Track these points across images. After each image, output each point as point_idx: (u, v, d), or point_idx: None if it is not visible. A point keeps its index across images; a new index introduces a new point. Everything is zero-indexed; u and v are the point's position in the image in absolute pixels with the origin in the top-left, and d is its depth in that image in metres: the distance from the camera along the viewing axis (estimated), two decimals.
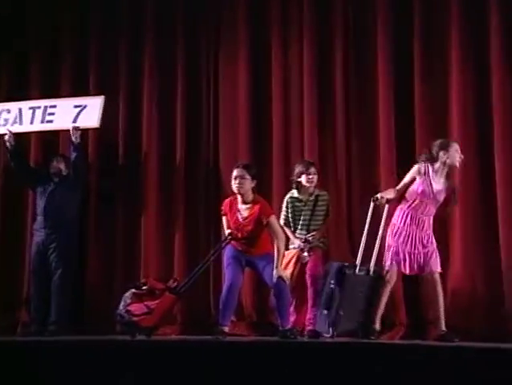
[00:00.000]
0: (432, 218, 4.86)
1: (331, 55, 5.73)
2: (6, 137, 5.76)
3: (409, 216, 4.81)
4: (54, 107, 5.83)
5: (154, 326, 4.88)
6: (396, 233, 4.82)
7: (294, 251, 5.12)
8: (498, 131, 5.19)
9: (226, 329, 4.88)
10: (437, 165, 4.84)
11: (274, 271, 4.82)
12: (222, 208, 5.07)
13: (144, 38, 6.21)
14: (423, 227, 4.81)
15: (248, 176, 4.93)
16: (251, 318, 5.63)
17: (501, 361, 3.87)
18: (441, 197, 4.84)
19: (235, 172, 4.96)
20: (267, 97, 5.88)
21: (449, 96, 5.39)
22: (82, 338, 5.09)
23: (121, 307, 4.89)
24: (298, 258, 5.07)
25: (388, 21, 5.56)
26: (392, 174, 5.39)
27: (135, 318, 4.81)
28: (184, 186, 5.97)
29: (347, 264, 4.83)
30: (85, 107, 5.76)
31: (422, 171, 4.84)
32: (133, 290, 4.96)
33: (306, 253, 5.07)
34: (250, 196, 4.96)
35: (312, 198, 5.19)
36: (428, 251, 4.78)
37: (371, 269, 4.81)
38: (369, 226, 4.83)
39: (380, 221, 4.84)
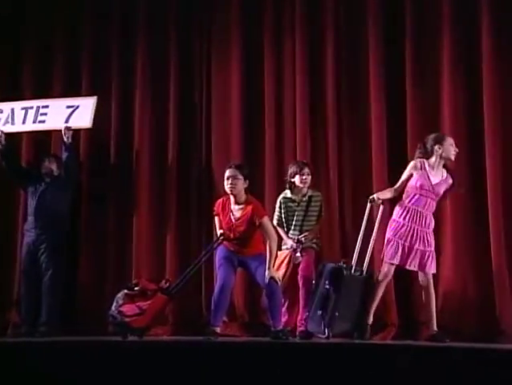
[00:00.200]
0: (432, 215, 4.84)
1: (323, 56, 5.74)
2: None
3: (409, 211, 4.81)
4: (47, 107, 5.82)
5: (146, 327, 4.87)
6: (395, 228, 4.82)
7: (287, 251, 5.12)
8: (489, 131, 5.21)
9: (218, 329, 4.88)
10: (433, 159, 4.86)
11: (267, 272, 4.82)
12: (214, 208, 5.06)
13: (136, 38, 6.20)
14: (424, 223, 4.80)
15: (240, 177, 4.93)
16: (243, 318, 5.63)
17: (491, 361, 3.89)
18: (441, 190, 4.85)
19: (228, 173, 4.95)
20: (260, 97, 5.88)
21: (440, 97, 5.41)
22: (73, 338, 5.08)
23: (113, 308, 4.87)
24: (291, 259, 5.08)
25: (380, 22, 5.58)
26: (383, 174, 5.40)
27: (127, 319, 4.79)
28: (177, 186, 5.97)
29: (342, 264, 4.84)
30: (77, 107, 5.75)
31: (418, 166, 4.86)
32: (125, 291, 4.94)
33: (298, 254, 5.07)
34: (243, 197, 4.96)
35: (305, 198, 5.19)
36: (427, 251, 4.78)
37: (365, 269, 4.82)
38: (365, 227, 4.85)
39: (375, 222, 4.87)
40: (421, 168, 4.84)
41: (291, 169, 5.21)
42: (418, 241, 4.77)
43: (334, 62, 5.68)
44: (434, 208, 4.87)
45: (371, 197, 4.89)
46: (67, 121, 5.70)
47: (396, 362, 3.97)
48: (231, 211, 4.96)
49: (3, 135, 5.75)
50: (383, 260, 4.86)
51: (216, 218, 5.04)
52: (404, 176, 4.91)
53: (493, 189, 5.14)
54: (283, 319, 4.97)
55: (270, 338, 4.82)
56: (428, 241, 4.80)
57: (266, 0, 5.95)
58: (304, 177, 5.16)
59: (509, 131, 5.25)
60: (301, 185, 5.17)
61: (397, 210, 4.87)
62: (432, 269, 4.81)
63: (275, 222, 5.23)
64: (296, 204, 5.20)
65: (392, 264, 4.80)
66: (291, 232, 5.19)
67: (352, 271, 4.81)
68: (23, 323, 5.66)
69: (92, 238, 6.05)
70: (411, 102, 5.45)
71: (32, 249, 5.63)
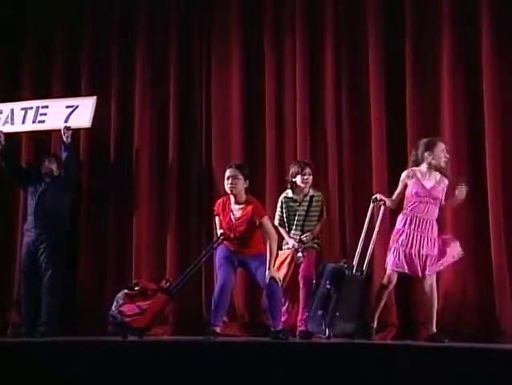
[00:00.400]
0: (435, 222, 4.82)
1: (323, 56, 5.74)
2: None
3: (410, 218, 4.81)
4: (46, 107, 5.82)
5: (146, 327, 4.86)
6: (398, 236, 4.82)
7: (289, 251, 5.12)
8: (489, 131, 5.21)
9: (218, 329, 4.88)
10: (424, 166, 4.86)
11: (267, 272, 4.82)
12: (215, 208, 5.06)
13: (136, 38, 6.20)
14: (425, 229, 4.78)
15: (241, 177, 4.93)
16: (243, 318, 5.63)
17: (491, 361, 3.89)
18: (438, 193, 4.83)
19: (228, 172, 4.95)
20: (260, 97, 5.88)
21: (440, 97, 5.41)
22: (73, 338, 5.07)
23: (113, 308, 4.87)
24: (293, 259, 5.08)
25: (379, 22, 5.58)
26: (383, 174, 5.41)
27: (127, 319, 4.79)
28: (177, 186, 5.97)
29: (343, 264, 4.84)
30: (77, 107, 5.76)
31: (410, 175, 4.87)
32: (125, 291, 4.94)
33: (300, 254, 5.07)
34: (243, 197, 4.96)
35: (307, 198, 5.19)
36: (429, 255, 4.76)
37: (365, 269, 4.83)
38: (367, 227, 4.87)
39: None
40: (413, 177, 4.84)
41: (293, 169, 5.21)
42: (421, 246, 4.76)
43: (334, 62, 5.69)
44: (436, 213, 4.84)
45: (373, 197, 4.91)
46: (66, 121, 5.71)
47: (396, 362, 3.97)
48: (231, 211, 4.96)
49: (3, 136, 5.75)
50: (386, 268, 4.85)
51: (216, 218, 5.04)
52: (399, 188, 4.92)
53: (493, 189, 5.14)
54: (283, 319, 4.97)
55: (270, 338, 4.82)
56: (432, 246, 4.78)
57: (266, 0, 5.95)
58: (306, 177, 5.16)
59: (510, 131, 5.25)
60: (302, 185, 5.17)
61: (399, 218, 4.88)
62: (435, 269, 4.79)
63: (277, 222, 5.23)
64: (297, 203, 5.20)
65: (395, 271, 4.80)
66: (293, 231, 5.19)
67: (353, 271, 4.81)
68: (23, 323, 5.66)
69: (92, 238, 6.05)
70: (411, 102, 5.45)
71: (32, 248, 5.63)
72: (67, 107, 5.77)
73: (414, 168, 4.88)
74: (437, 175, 4.87)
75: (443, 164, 4.86)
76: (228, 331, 5.35)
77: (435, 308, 4.80)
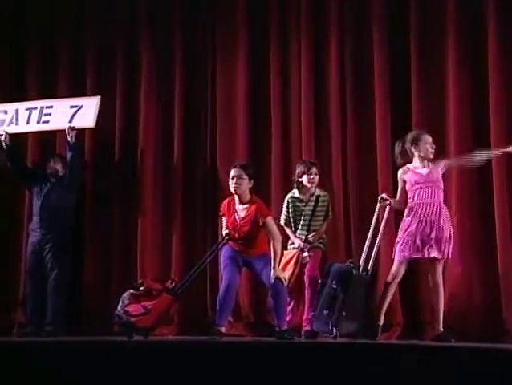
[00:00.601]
0: (442, 205, 4.80)
1: (328, 56, 5.73)
2: (2, 138, 5.76)
3: (415, 206, 4.80)
4: (51, 107, 5.83)
5: (151, 327, 4.87)
6: (405, 227, 4.80)
7: (294, 251, 5.12)
8: (496, 132, 5.19)
9: (223, 329, 4.88)
10: (415, 159, 4.89)
11: (272, 272, 4.82)
12: (221, 208, 5.06)
13: (141, 38, 6.21)
14: (432, 212, 4.76)
15: (245, 177, 4.93)
16: (248, 318, 5.63)
17: (497, 361, 3.88)
18: (436, 175, 4.83)
19: (232, 172, 4.95)
20: (265, 97, 5.88)
21: (445, 96, 5.40)
22: (78, 338, 5.07)
23: (119, 308, 4.88)
24: (299, 258, 5.07)
25: (384, 21, 5.57)
26: (388, 174, 5.39)
27: (132, 319, 4.80)
28: (182, 186, 5.97)
29: (349, 264, 4.84)
30: (81, 107, 5.76)
31: (405, 170, 4.92)
32: (131, 291, 4.95)
33: (306, 253, 5.07)
34: (247, 197, 4.96)
35: (313, 198, 5.19)
36: (438, 239, 4.72)
37: (370, 269, 4.83)
38: (374, 227, 4.88)
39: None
40: (408, 171, 4.89)
41: (299, 169, 5.20)
42: (430, 230, 4.74)
43: (339, 61, 5.68)
44: (441, 196, 4.82)
45: (379, 197, 4.92)
46: (70, 121, 5.72)
47: (401, 361, 3.96)
48: (236, 211, 4.96)
49: (8, 136, 5.77)
50: (394, 260, 4.85)
51: (223, 219, 5.04)
52: (399, 186, 4.96)
53: (499, 190, 5.12)
54: (287, 318, 4.96)
55: (275, 338, 4.82)
56: (441, 227, 4.75)
57: (271, 2, 5.94)
58: (312, 177, 5.15)
59: None
60: (308, 185, 5.17)
61: (406, 211, 4.88)
62: (444, 254, 4.74)
63: (282, 222, 5.23)
64: (304, 203, 5.19)
65: (402, 262, 4.79)
66: (299, 231, 5.18)
67: (360, 271, 4.81)
68: (29, 323, 5.68)
69: (97, 238, 6.06)
70: (416, 101, 5.43)
71: (37, 248, 5.64)
72: (71, 107, 5.78)
73: (406, 165, 4.92)
74: (430, 163, 4.88)
75: (431, 156, 4.88)
76: (233, 331, 5.35)
77: (442, 306, 4.78)
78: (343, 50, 5.69)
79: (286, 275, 4.93)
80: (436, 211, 4.78)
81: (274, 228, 4.96)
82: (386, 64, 5.53)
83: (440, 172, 4.88)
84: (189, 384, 4.13)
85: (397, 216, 5.07)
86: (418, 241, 4.74)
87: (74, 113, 5.75)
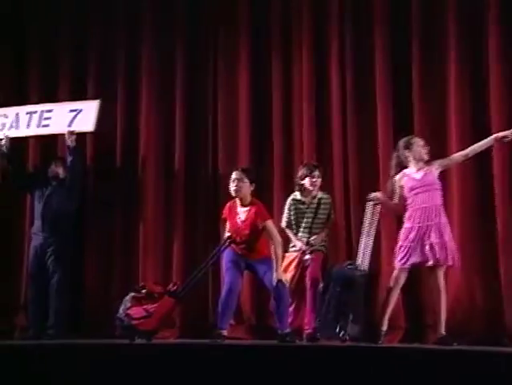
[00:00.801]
0: (442, 208, 4.78)
1: (330, 58, 5.73)
2: (2, 142, 5.77)
3: (413, 213, 4.79)
4: (51, 111, 5.84)
5: (153, 330, 4.87)
6: (406, 234, 4.79)
7: (296, 254, 5.11)
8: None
9: (225, 332, 4.88)
10: (410, 164, 4.88)
11: (274, 274, 4.82)
12: (223, 212, 5.06)
13: (142, 42, 6.22)
14: (432, 216, 4.74)
15: (246, 180, 4.94)
16: (250, 321, 5.63)
17: (499, 364, 3.87)
18: (431, 177, 4.81)
19: (234, 175, 4.96)
20: (267, 100, 5.89)
21: (447, 97, 5.39)
22: (80, 341, 5.08)
23: (121, 311, 4.89)
24: (300, 261, 5.07)
25: (386, 23, 5.57)
26: (389, 177, 5.39)
27: (134, 322, 4.81)
28: (183, 189, 5.98)
29: (350, 266, 4.85)
30: (80, 111, 5.77)
31: (401, 176, 4.89)
32: (133, 294, 4.96)
33: (308, 256, 5.07)
34: (248, 200, 4.96)
35: (315, 201, 5.19)
36: (442, 242, 4.70)
37: (366, 268, 4.85)
38: (370, 226, 4.89)
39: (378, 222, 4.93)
40: (404, 176, 4.87)
41: (301, 171, 5.20)
42: (429, 235, 4.73)
43: (340, 63, 5.68)
44: (439, 199, 4.80)
45: (372, 195, 4.93)
46: (70, 125, 5.73)
47: (404, 365, 3.96)
48: (237, 214, 4.96)
49: (8, 140, 5.78)
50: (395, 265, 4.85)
51: (226, 222, 5.04)
52: (398, 192, 4.92)
53: (500, 194, 5.11)
54: (289, 320, 4.96)
55: (277, 341, 4.82)
56: (441, 231, 4.73)
57: (273, 5, 5.93)
58: (314, 180, 5.15)
59: None
60: (311, 188, 5.16)
61: (406, 217, 4.86)
62: (449, 261, 4.73)
63: (284, 224, 5.23)
64: (306, 206, 5.19)
65: (403, 269, 4.78)
66: (300, 234, 5.18)
67: (358, 272, 4.82)
68: (31, 326, 5.68)
69: (99, 241, 6.07)
70: (418, 104, 5.43)
71: (39, 252, 5.65)
72: (71, 110, 5.79)
73: (404, 170, 4.90)
74: (424, 166, 4.87)
75: (425, 157, 4.86)
76: (235, 334, 5.35)
77: (444, 310, 4.77)
78: (345, 51, 5.69)
79: (287, 277, 4.92)
80: (436, 215, 4.77)
81: (275, 231, 4.95)
82: (387, 66, 5.53)
83: (436, 173, 4.85)
84: None
85: (398, 222, 5.06)
86: (419, 248, 4.73)
87: (73, 117, 5.76)
